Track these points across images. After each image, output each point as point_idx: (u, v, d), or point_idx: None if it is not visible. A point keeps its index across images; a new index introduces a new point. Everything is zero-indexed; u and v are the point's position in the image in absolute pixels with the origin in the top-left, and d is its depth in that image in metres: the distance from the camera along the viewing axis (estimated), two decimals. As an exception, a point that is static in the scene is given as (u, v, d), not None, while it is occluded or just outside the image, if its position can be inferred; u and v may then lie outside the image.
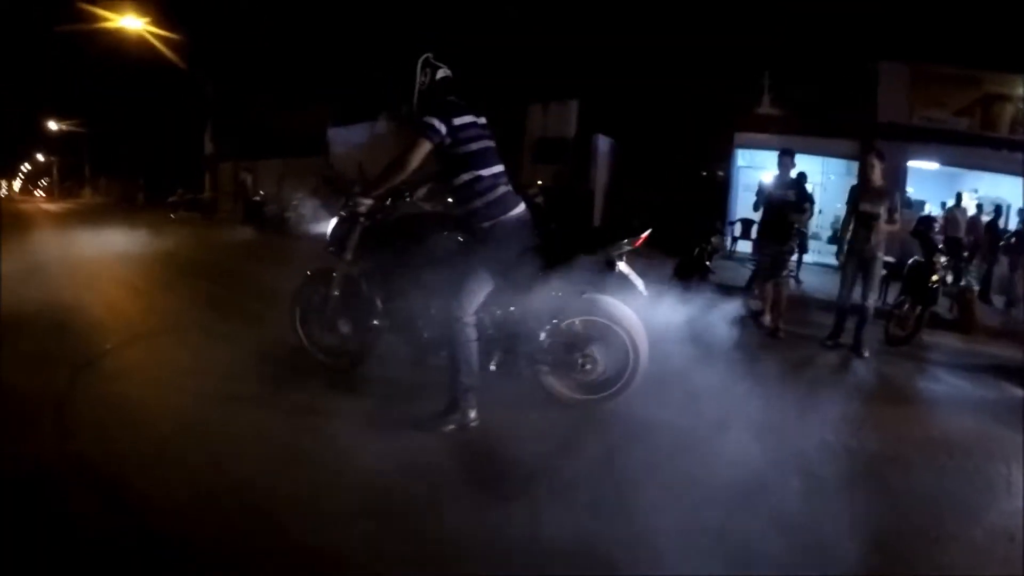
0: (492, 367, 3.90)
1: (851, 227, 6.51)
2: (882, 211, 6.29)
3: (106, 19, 21.57)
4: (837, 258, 6.82)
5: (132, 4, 21.85)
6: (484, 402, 3.65)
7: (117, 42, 23.61)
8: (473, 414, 3.60)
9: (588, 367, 3.87)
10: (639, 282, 3.88)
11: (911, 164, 14.77)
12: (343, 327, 4.32)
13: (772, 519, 2.72)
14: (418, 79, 3.72)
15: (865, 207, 6.36)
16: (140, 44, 23.48)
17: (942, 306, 8.29)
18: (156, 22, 22.27)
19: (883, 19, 13.62)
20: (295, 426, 3.51)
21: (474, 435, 3.53)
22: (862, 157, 6.53)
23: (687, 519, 2.73)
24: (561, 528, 2.58)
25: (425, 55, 3.74)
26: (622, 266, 3.87)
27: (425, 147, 3.55)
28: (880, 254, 6.40)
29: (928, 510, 3.10)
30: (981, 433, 4.30)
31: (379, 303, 4.18)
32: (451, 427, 3.55)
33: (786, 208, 6.95)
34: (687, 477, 3.12)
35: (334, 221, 4.29)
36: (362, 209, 3.94)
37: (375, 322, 4.20)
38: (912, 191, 15.12)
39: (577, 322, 3.93)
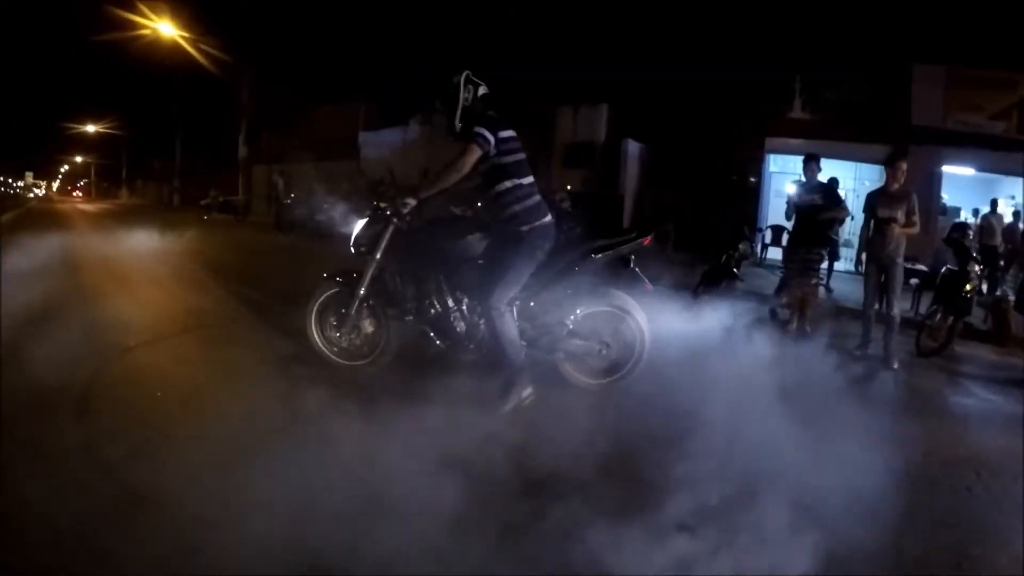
0: None
1: (870, 233, 6.45)
2: (899, 215, 6.20)
3: (142, 27, 22.03)
4: (856, 266, 6.75)
5: (167, 9, 22.28)
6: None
7: (153, 47, 24.12)
8: (527, 391, 3.98)
9: (604, 353, 4.42)
10: (644, 280, 4.51)
11: (945, 169, 14.46)
12: (368, 325, 4.59)
13: (782, 539, 2.67)
14: (462, 95, 4.10)
15: (882, 212, 6.29)
16: (175, 48, 23.99)
17: (976, 317, 8.10)
18: (191, 27, 22.70)
19: (917, 21, 13.40)
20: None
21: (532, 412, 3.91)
22: (891, 163, 6.41)
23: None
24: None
25: (465, 72, 4.13)
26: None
27: (476, 154, 3.89)
28: (900, 260, 6.31)
29: (951, 533, 3.01)
30: (1012, 451, 4.15)
31: (411, 300, 4.43)
32: (511, 406, 3.91)
33: (817, 212, 6.89)
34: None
35: (362, 222, 4.47)
36: (406, 209, 4.16)
37: (407, 318, 4.46)
38: (947, 197, 14.81)
39: (595, 313, 4.43)
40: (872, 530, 2.84)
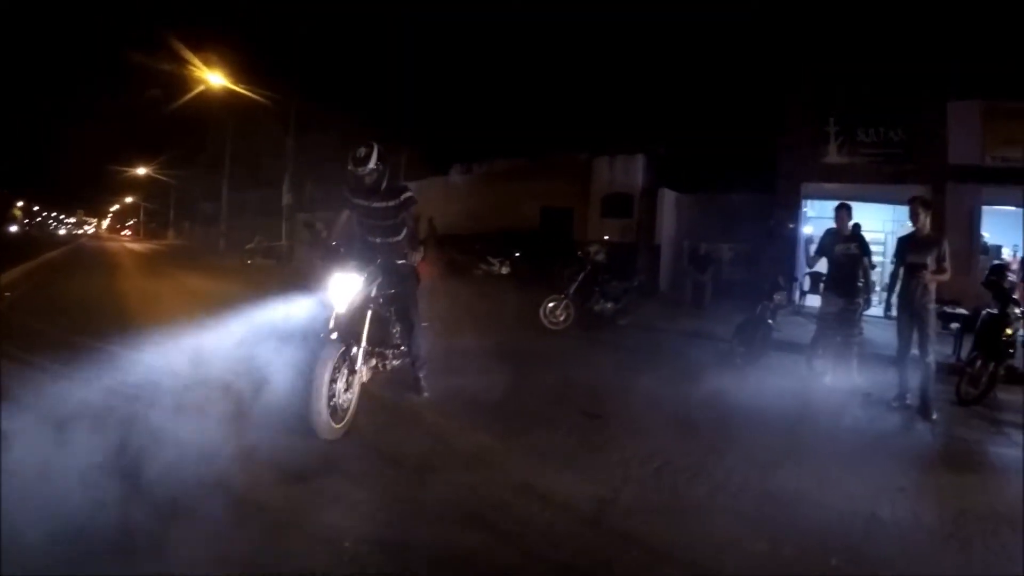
0: None
1: (900, 279, 6.42)
2: (929, 261, 6.16)
3: (194, 82, 23.09)
4: (885, 313, 6.70)
5: (217, 60, 23.23)
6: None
7: (203, 95, 25.12)
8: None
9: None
10: None
11: (986, 208, 14.25)
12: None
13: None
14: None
15: (912, 258, 6.27)
16: (224, 97, 24.97)
17: (1021, 359, 7.95)
18: (238, 75, 23.62)
19: (950, 56, 13.32)
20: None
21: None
22: (911, 208, 6.41)
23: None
24: None
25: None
26: None
27: None
28: (932, 306, 6.23)
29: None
30: (1051, 506, 4.02)
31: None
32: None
33: (850, 262, 6.94)
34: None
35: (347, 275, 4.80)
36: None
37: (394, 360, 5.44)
38: (988, 235, 14.55)
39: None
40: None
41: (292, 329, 5.29)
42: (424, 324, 5.56)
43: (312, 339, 4.65)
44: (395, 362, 5.41)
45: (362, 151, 4.94)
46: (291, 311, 5.40)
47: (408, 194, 5.29)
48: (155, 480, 3.40)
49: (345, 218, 5.36)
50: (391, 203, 5.20)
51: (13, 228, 54.70)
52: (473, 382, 5.98)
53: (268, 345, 5.26)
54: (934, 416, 6.04)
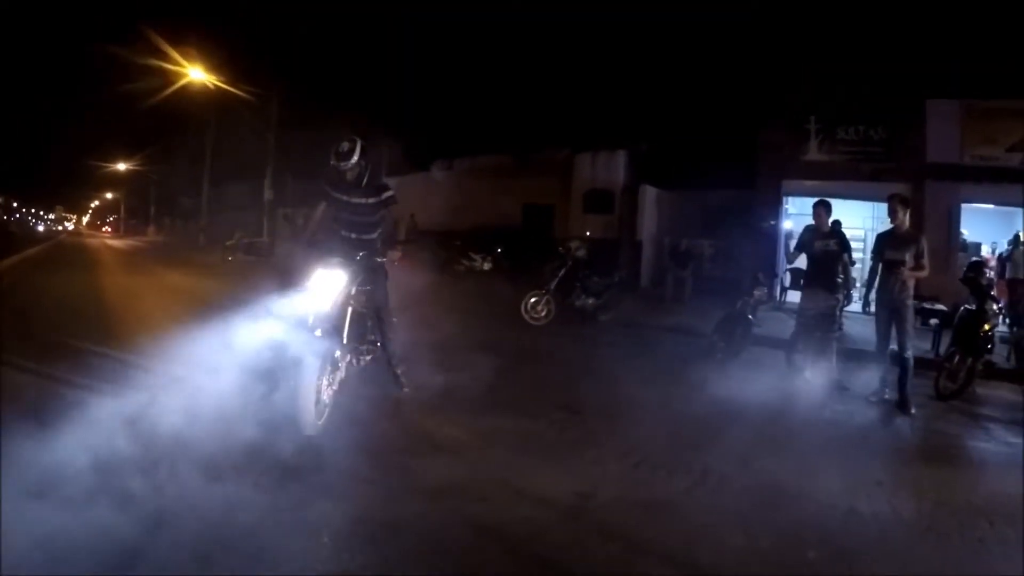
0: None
1: (878, 276, 6.46)
2: (907, 257, 6.21)
3: (174, 76, 22.87)
4: (864, 308, 6.78)
5: (198, 55, 22.99)
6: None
7: (183, 89, 24.87)
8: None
9: None
10: None
11: (964, 205, 14.38)
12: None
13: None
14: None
15: (890, 254, 6.32)
16: (205, 92, 24.73)
17: (1000, 355, 8.01)
18: (219, 70, 23.39)
19: (929, 55, 13.41)
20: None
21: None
22: (889, 205, 6.47)
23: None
24: None
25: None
26: None
27: None
28: (910, 302, 6.30)
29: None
30: (1026, 497, 4.05)
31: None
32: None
33: (829, 258, 6.95)
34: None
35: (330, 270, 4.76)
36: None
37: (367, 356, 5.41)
38: (967, 233, 14.70)
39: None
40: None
41: (271, 326, 5.19)
42: (394, 319, 5.51)
43: (294, 335, 4.57)
44: (368, 358, 5.37)
45: (345, 145, 4.92)
46: (272, 309, 5.28)
47: (389, 193, 5.28)
48: (140, 478, 3.37)
49: (321, 212, 5.32)
50: (371, 200, 5.18)
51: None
52: (453, 377, 5.93)
53: (246, 341, 5.16)
54: (912, 411, 6.11)
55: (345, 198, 5.15)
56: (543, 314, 10.20)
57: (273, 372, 4.75)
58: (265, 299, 5.22)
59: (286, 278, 5.06)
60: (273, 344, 4.63)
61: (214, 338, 5.18)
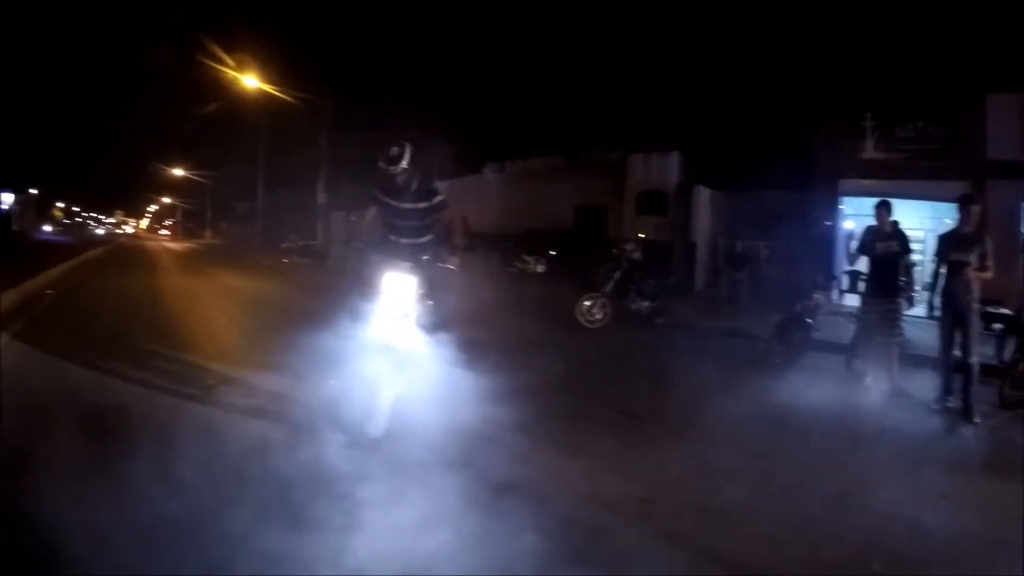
0: None
1: (941, 277, 6.34)
2: (972, 259, 6.08)
3: (230, 86, 23.57)
4: (929, 312, 6.66)
5: (253, 62, 23.65)
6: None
7: (239, 96, 25.61)
8: None
9: None
10: None
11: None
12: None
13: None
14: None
15: (954, 256, 6.20)
16: (259, 98, 25.41)
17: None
18: (274, 77, 24.03)
19: (988, 49, 13.00)
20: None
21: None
22: (964, 206, 6.32)
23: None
24: None
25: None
26: None
27: None
28: (975, 305, 6.14)
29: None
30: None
31: None
32: None
33: (891, 260, 6.83)
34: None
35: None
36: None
37: None
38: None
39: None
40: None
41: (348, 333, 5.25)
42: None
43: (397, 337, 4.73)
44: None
45: (395, 150, 4.94)
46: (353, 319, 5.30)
47: (440, 197, 5.29)
48: (196, 478, 3.52)
49: (372, 216, 5.40)
50: (421, 204, 5.18)
51: (47, 228, 55.98)
52: (510, 381, 5.98)
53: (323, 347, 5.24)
54: (976, 419, 5.96)
55: (395, 203, 5.15)
56: (598, 317, 10.25)
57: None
58: (349, 302, 5.26)
59: (363, 280, 5.09)
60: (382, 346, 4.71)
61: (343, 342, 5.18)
